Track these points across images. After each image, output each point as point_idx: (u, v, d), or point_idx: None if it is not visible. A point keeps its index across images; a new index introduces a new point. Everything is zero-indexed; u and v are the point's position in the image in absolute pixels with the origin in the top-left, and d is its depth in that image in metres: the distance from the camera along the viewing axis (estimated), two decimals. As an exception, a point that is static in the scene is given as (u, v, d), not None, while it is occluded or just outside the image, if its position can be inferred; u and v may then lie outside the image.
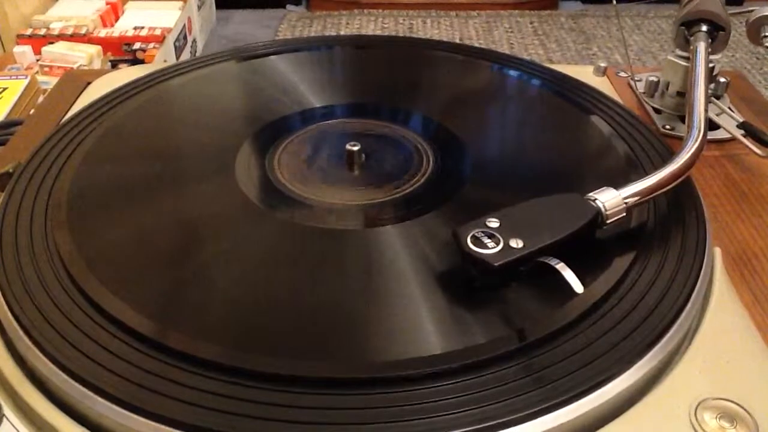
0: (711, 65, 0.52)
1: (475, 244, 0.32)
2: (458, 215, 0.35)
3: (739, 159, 0.50)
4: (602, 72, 0.58)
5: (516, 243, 0.32)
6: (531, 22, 2.01)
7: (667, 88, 0.56)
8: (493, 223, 0.33)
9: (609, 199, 0.35)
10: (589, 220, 0.34)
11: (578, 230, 0.33)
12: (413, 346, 0.30)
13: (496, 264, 0.31)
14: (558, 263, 0.31)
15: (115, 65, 1.35)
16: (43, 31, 1.43)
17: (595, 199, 0.35)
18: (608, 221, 0.35)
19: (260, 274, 0.35)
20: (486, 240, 0.32)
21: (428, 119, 0.49)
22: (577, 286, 0.30)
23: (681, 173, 0.38)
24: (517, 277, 0.33)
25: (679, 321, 0.32)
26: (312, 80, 0.54)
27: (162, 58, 1.43)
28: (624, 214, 0.35)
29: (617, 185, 0.36)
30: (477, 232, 0.32)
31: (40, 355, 0.30)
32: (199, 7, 1.81)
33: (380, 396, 0.28)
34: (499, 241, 0.32)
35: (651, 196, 0.36)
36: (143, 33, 1.47)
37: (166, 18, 1.57)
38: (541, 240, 0.32)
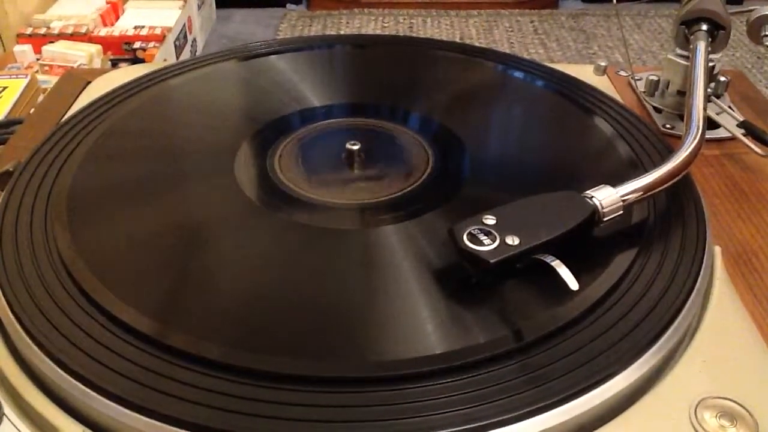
0: (711, 64, 0.52)
1: (471, 241, 0.32)
2: (458, 214, 0.35)
3: (740, 158, 0.50)
4: (602, 71, 0.58)
5: (512, 240, 0.32)
6: (531, 22, 2.01)
7: (668, 87, 0.56)
8: (490, 220, 0.33)
9: (606, 197, 0.35)
10: (586, 218, 0.34)
11: (575, 228, 0.33)
12: (411, 345, 0.30)
13: (491, 261, 0.31)
14: (553, 260, 0.31)
15: (115, 64, 1.35)
16: (43, 30, 1.43)
17: (592, 196, 0.35)
18: (605, 219, 0.35)
19: (260, 273, 0.35)
20: (482, 237, 0.32)
21: (428, 119, 0.49)
22: (573, 283, 0.30)
23: (679, 171, 0.38)
24: (513, 275, 0.33)
25: (678, 320, 0.32)
26: (312, 80, 0.54)
27: (162, 57, 1.43)
28: (621, 212, 0.35)
29: (617, 184, 0.36)
30: (473, 229, 0.32)
31: (41, 353, 0.30)
32: (200, 7, 1.81)
33: (378, 394, 0.28)
34: (496, 238, 0.32)
35: (649, 194, 0.36)
36: (143, 32, 1.47)
37: (167, 17, 1.57)
38: (538, 237, 0.32)
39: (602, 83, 0.57)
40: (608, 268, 0.34)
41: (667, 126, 0.54)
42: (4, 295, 0.33)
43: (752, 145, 0.49)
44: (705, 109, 0.43)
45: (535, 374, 0.29)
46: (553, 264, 0.31)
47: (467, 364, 0.29)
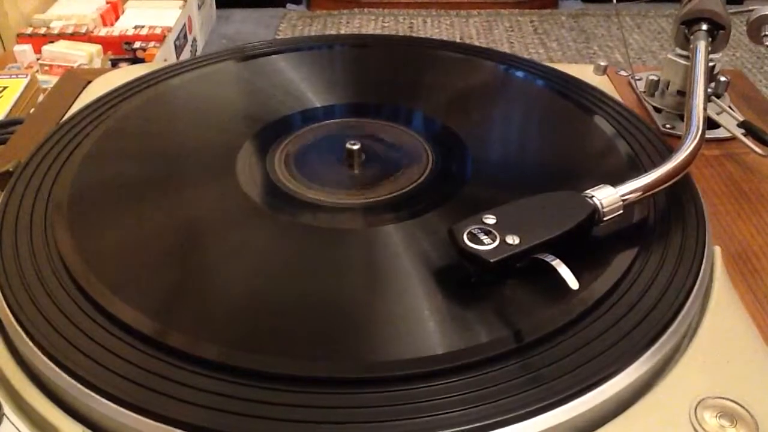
0: (711, 64, 0.52)
1: (471, 241, 0.32)
2: (459, 214, 0.35)
3: (740, 158, 0.50)
4: (603, 71, 0.58)
5: (512, 239, 0.32)
6: (531, 21, 2.01)
7: (668, 87, 0.56)
8: (490, 219, 0.33)
9: (606, 196, 0.35)
10: (586, 218, 0.34)
11: (574, 227, 0.33)
12: (412, 345, 0.30)
13: (491, 260, 0.31)
14: (553, 260, 0.31)
15: (115, 64, 1.35)
16: (43, 30, 1.43)
17: (592, 196, 0.35)
18: (605, 218, 0.35)
19: (261, 273, 0.35)
20: (482, 236, 0.32)
21: (429, 118, 0.49)
22: (573, 283, 0.30)
23: (678, 171, 0.38)
24: (513, 274, 0.33)
25: (678, 320, 0.32)
26: (312, 79, 0.54)
27: (162, 57, 1.43)
28: (621, 211, 0.35)
29: (617, 184, 0.36)
30: (473, 229, 0.32)
31: (40, 354, 0.30)
32: (200, 6, 1.81)
33: (378, 395, 0.28)
34: (496, 237, 0.32)
35: (648, 193, 0.36)
36: (143, 32, 1.47)
37: (167, 17, 1.57)
38: (538, 236, 0.32)
39: (602, 83, 0.57)
40: (608, 267, 0.34)
41: (667, 126, 0.54)
42: (4, 296, 0.33)
43: (752, 145, 0.49)
44: (705, 109, 0.43)
45: (535, 374, 0.29)
46: (553, 263, 0.31)
47: (468, 365, 0.29)
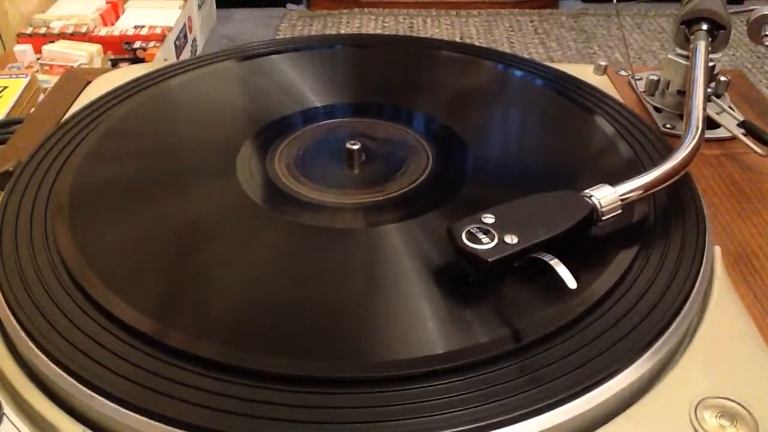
0: (711, 64, 0.52)
1: (470, 240, 0.32)
2: (459, 214, 0.35)
3: (740, 158, 0.50)
4: (603, 71, 0.58)
5: (511, 239, 0.32)
6: (531, 21, 2.01)
7: (668, 87, 0.56)
8: (489, 218, 0.33)
9: (604, 195, 0.35)
10: (584, 217, 0.34)
11: (573, 227, 0.33)
12: (412, 345, 0.30)
13: (489, 259, 0.31)
14: (552, 259, 0.31)
15: (115, 64, 1.35)
16: (43, 30, 1.43)
17: (591, 195, 0.35)
18: (603, 218, 0.35)
19: (260, 273, 0.35)
20: (481, 236, 0.32)
21: (429, 118, 0.49)
22: (571, 282, 0.30)
23: (678, 170, 0.38)
24: (512, 273, 0.33)
25: (678, 320, 0.32)
26: (313, 79, 0.54)
27: (162, 57, 1.43)
28: (619, 211, 0.35)
29: (616, 183, 0.36)
30: (472, 228, 0.32)
31: (40, 354, 0.30)
32: (200, 6, 1.81)
33: (377, 395, 0.28)
34: (494, 236, 0.32)
35: (647, 192, 0.36)
36: (144, 32, 1.47)
37: (167, 17, 1.57)
38: (536, 236, 0.32)
39: (602, 83, 0.57)
40: (608, 267, 0.34)
41: (668, 126, 0.54)
42: (4, 295, 0.33)
43: (752, 145, 0.49)
44: (705, 108, 0.43)
45: (535, 374, 0.29)
46: (551, 263, 0.31)
47: (467, 365, 0.29)
